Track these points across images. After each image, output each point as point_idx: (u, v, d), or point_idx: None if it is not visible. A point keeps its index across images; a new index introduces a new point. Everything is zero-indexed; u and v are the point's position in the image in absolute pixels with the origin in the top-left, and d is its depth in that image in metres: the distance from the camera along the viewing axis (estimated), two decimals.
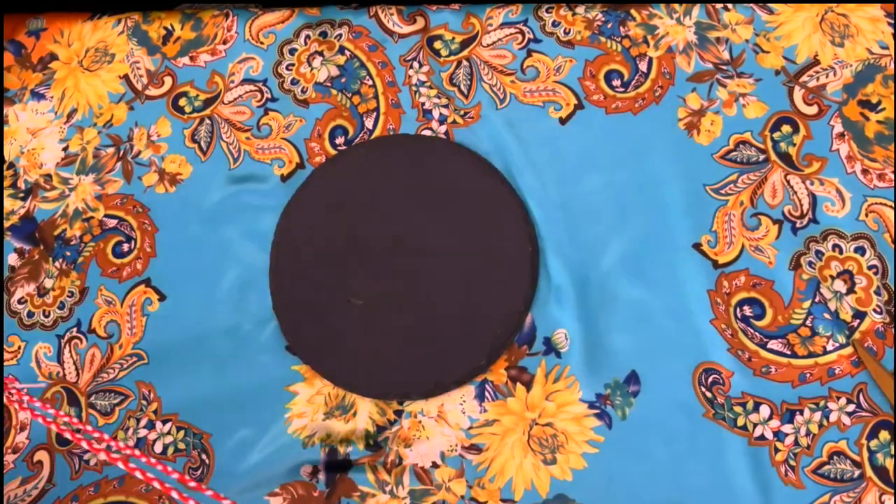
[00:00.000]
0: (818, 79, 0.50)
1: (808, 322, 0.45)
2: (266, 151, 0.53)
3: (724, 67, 0.50)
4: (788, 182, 0.48)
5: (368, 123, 0.52)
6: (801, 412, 0.44)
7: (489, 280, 0.47)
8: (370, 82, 0.53)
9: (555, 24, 0.53)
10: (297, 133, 0.53)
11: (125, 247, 0.52)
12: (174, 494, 0.36)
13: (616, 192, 0.49)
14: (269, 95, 0.54)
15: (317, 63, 0.54)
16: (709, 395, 0.44)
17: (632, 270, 0.47)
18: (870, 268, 0.46)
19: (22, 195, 0.54)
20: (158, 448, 0.47)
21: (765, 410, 0.44)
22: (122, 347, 0.49)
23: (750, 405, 0.44)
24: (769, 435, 0.43)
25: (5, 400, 0.49)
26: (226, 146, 0.53)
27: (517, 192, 0.49)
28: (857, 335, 0.45)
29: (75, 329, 0.50)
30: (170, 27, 0.57)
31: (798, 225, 0.47)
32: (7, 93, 0.58)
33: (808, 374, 0.44)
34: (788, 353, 0.45)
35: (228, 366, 0.48)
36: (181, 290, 0.50)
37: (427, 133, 0.51)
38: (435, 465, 0.45)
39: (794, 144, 0.48)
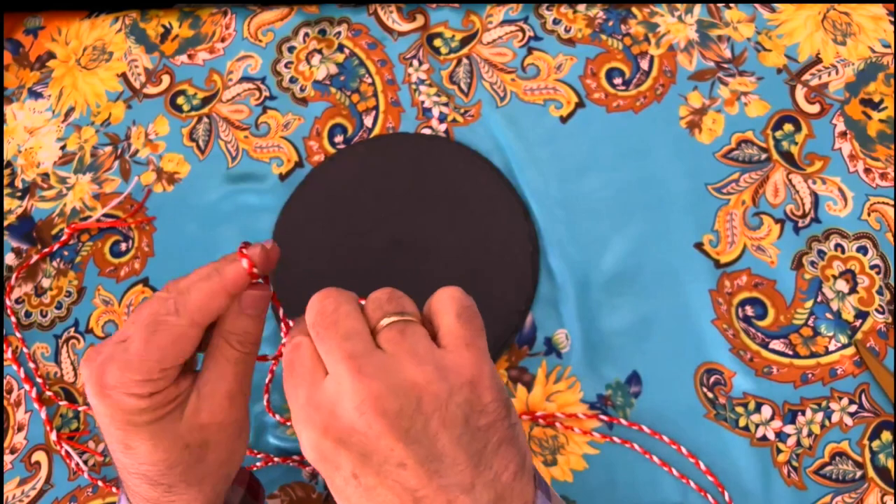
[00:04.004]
0: (820, 77, 0.50)
1: (810, 322, 0.45)
2: (264, 150, 0.52)
3: (726, 66, 0.50)
4: (790, 181, 0.48)
5: (367, 122, 0.52)
6: (803, 413, 0.43)
7: (490, 279, 0.46)
8: (369, 80, 0.53)
9: (555, 22, 0.53)
10: (295, 132, 0.53)
11: (123, 246, 0.52)
12: None
13: (617, 191, 0.48)
14: (268, 94, 0.54)
15: (315, 61, 0.54)
16: (710, 395, 0.44)
17: (633, 270, 0.47)
18: (872, 267, 0.46)
19: (19, 194, 0.54)
20: None
21: (766, 411, 0.44)
22: None
23: (752, 406, 0.44)
24: (771, 436, 0.43)
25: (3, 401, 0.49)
26: (224, 145, 0.53)
27: (518, 191, 0.49)
28: (859, 335, 0.44)
29: (73, 329, 0.50)
30: (168, 25, 0.57)
31: (800, 224, 0.47)
32: (5, 92, 0.57)
33: (810, 375, 0.44)
34: (790, 353, 0.44)
35: None
36: None
37: (427, 131, 0.51)
38: None
39: (797, 143, 0.48)
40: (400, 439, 0.26)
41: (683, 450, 0.43)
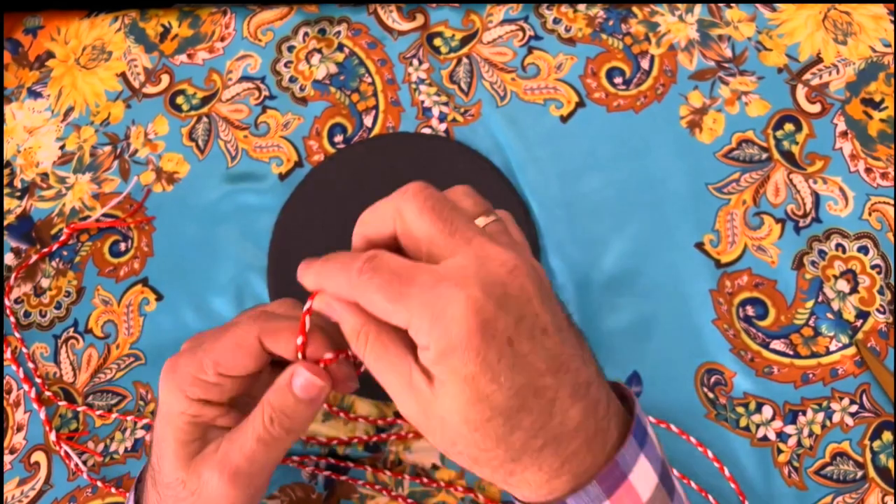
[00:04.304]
0: (821, 77, 0.49)
1: (810, 322, 0.45)
2: (264, 150, 0.52)
3: (727, 65, 0.50)
4: (791, 181, 0.47)
5: (367, 121, 0.52)
6: (804, 413, 0.43)
7: None
8: (369, 80, 0.53)
9: (556, 22, 0.52)
10: (295, 131, 0.52)
11: (122, 246, 0.51)
12: None
13: (617, 191, 0.48)
14: (268, 93, 0.54)
15: (315, 60, 0.54)
16: (711, 395, 0.44)
17: (633, 270, 0.47)
18: (873, 267, 0.46)
19: (18, 194, 0.54)
20: None
21: (767, 411, 0.44)
22: (120, 348, 0.49)
23: (752, 406, 0.44)
24: (772, 436, 0.43)
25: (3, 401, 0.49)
26: (223, 144, 0.53)
27: (518, 191, 0.49)
28: (860, 335, 0.44)
29: (72, 329, 0.50)
30: (167, 24, 0.57)
31: (801, 224, 0.47)
32: (4, 91, 0.57)
33: (810, 375, 0.44)
34: (791, 353, 0.44)
35: None
36: (178, 289, 0.50)
37: (427, 131, 0.51)
38: (435, 467, 0.44)
39: (797, 143, 0.48)
40: (542, 304, 0.27)
41: (709, 453, 0.42)
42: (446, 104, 0.52)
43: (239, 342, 0.31)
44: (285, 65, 0.54)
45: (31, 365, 0.49)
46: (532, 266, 0.27)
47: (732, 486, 0.42)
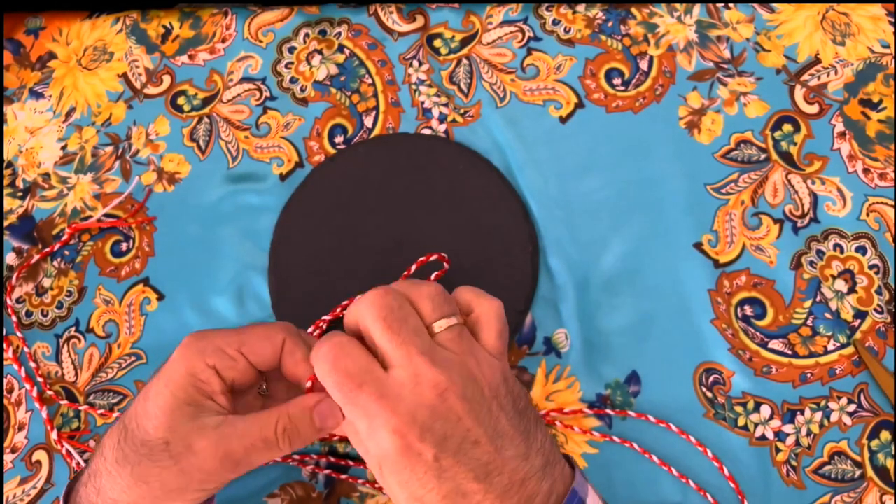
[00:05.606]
0: (819, 78, 0.50)
1: (808, 322, 0.45)
2: (265, 150, 0.52)
3: (725, 66, 0.50)
4: (789, 181, 0.48)
5: (368, 122, 0.52)
6: (802, 412, 0.44)
7: (489, 279, 0.47)
8: (369, 81, 0.53)
9: (555, 23, 0.53)
10: (295, 132, 0.53)
11: (123, 246, 0.52)
12: None
13: (617, 191, 0.49)
14: (268, 94, 0.54)
15: (316, 61, 0.54)
16: (709, 395, 0.44)
17: (632, 270, 0.47)
18: (871, 267, 0.46)
19: (20, 194, 0.54)
20: None
21: (766, 410, 0.44)
22: (121, 347, 0.49)
23: (751, 405, 0.44)
24: (770, 435, 0.43)
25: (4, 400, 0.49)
26: (224, 145, 0.53)
27: (517, 191, 0.49)
28: (858, 335, 0.45)
29: (74, 328, 0.50)
30: (168, 25, 0.57)
31: (799, 224, 0.47)
32: (5, 92, 0.57)
33: (808, 374, 0.44)
34: (789, 352, 0.45)
35: None
36: (179, 289, 0.50)
37: (427, 132, 0.51)
38: None
39: (795, 143, 0.48)
40: (475, 420, 0.30)
41: (709, 453, 0.43)
42: (446, 105, 0.52)
43: (268, 334, 0.36)
44: (286, 66, 0.54)
45: (32, 364, 0.49)
46: (469, 381, 0.31)
47: (731, 485, 0.42)
